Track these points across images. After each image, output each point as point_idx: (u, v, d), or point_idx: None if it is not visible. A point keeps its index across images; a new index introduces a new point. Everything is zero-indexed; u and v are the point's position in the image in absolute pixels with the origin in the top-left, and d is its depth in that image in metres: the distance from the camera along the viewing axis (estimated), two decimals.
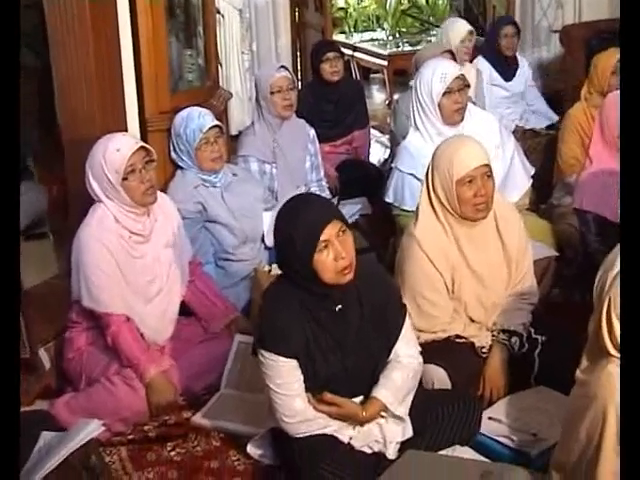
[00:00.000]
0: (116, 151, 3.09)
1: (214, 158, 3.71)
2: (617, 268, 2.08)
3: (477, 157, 2.96)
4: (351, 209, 4.56)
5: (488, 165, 2.98)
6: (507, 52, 5.63)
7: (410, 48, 8.03)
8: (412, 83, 5.73)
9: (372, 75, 9.15)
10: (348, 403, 2.58)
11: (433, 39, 7.46)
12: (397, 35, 8.83)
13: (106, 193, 3.14)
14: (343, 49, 6.18)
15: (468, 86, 3.83)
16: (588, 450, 2.18)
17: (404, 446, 2.65)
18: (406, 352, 2.67)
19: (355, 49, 8.52)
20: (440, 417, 2.71)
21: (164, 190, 3.61)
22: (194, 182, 3.73)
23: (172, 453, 2.97)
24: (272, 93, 4.23)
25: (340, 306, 2.54)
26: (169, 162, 3.82)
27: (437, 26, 8.53)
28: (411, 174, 3.78)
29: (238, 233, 3.77)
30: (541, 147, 5.09)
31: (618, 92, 3.85)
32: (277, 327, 2.50)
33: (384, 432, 2.62)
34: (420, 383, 2.77)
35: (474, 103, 4.37)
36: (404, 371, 2.64)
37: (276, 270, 3.48)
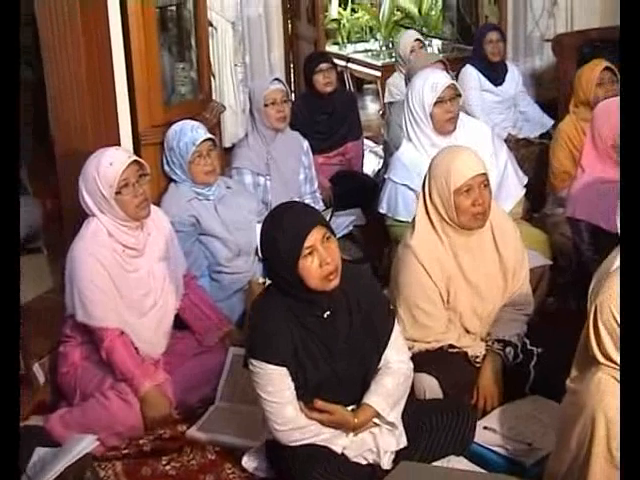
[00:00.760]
0: (109, 165, 3.09)
1: (207, 171, 3.71)
2: (607, 276, 2.09)
3: (474, 166, 2.98)
4: (345, 220, 4.56)
5: (485, 174, 3.00)
6: (493, 58, 5.66)
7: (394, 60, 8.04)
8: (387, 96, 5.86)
9: (366, 86, 9.17)
10: (340, 410, 2.58)
11: (429, 49, 7.49)
12: (390, 46, 8.82)
13: (99, 207, 3.14)
14: (336, 60, 6.21)
15: (459, 95, 3.84)
16: (578, 458, 2.18)
17: (398, 456, 2.65)
18: (396, 358, 2.67)
19: (348, 60, 8.53)
20: (434, 427, 2.71)
21: (157, 203, 3.61)
22: (187, 195, 3.73)
23: (167, 467, 2.96)
24: (266, 105, 4.24)
25: (328, 312, 2.55)
26: (162, 175, 3.82)
27: (430, 37, 8.55)
28: (405, 185, 3.79)
29: (232, 246, 3.77)
30: (534, 156, 5.10)
31: (608, 101, 3.88)
32: (265, 335, 2.51)
33: (378, 442, 2.62)
34: (413, 392, 2.77)
35: (467, 113, 4.38)
36: (395, 377, 2.64)
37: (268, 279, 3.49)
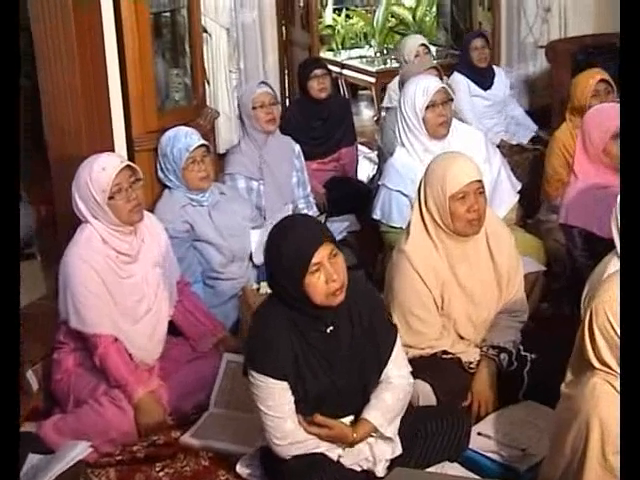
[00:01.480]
0: (102, 170, 3.09)
1: (201, 177, 3.71)
2: (602, 281, 2.09)
3: (470, 173, 2.98)
4: (339, 226, 4.56)
5: (481, 181, 3.00)
6: (480, 64, 5.70)
7: (397, 65, 8.04)
8: (386, 101, 5.86)
9: (360, 92, 9.18)
10: (339, 425, 2.57)
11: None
12: (385, 52, 8.84)
13: (93, 213, 3.14)
14: (331, 66, 6.22)
15: (451, 99, 3.85)
16: (573, 464, 2.18)
17: (393, 462, 2.64)
18: (397, 373, 2.66)
19: (343, 66, 8.54)
20: (429, 433, 2.71)
21: (152, 210, 3.61)
22: (182, 201, 3.73)
23: (161, 474, 2.95)
24: (254, 108, 4.25)
25: (331, 327, 2.54)
26: (156, 182, 3.82)
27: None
28: (398, 191, 3.79)
29: (226, 252, 3.77)
30: (528, 162, 5.12)
31: (598, 107, 3.90)
32: (266, 348, 2.48)
33: (373, 451, 2.61)
34: None
35: (460, 119, 4.39)
36: (395, 392, 2.63)
37: (264, 288, 3.48)
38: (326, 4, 9.88)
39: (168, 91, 4.22)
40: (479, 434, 2.86)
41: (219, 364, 3.31)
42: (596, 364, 2.13)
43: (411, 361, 2.83)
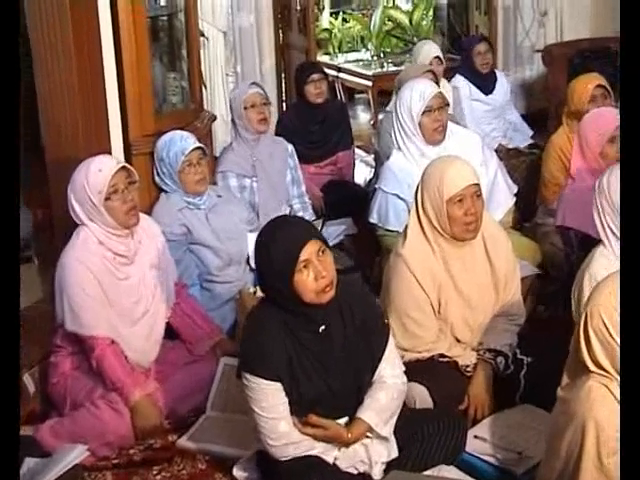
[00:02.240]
0: (98, 172, 3.10)
1: (197, 180, 3.71)
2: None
3: (467, 176, 2.98)
4: (336, 229, 4.57)
5: (478, 184, 3.01)
6: (483, 69, 5.70)
7: (394, 68, 8.04)
8: (391, 104, 5.85)
9: (357, 95, 9.19)
10: (333, 425, 2.57)
11: None
12: (381, 55, 8.85)
13: (89, 215, 3.14)
14: (328, 70, 6.22)
15: (448, 104, 3.85)
16: (569, 466, 2.19)
17: (390, 466, 2.64)
18: (390, 372, 2.66)
19: (340, 70, 8.55)
20: (425, 436, 2.71)
21: (149, 213, 3.61)
22: (178, 205, 3.73)
23: (158, 477, 2.95)
24: (246, 109, 4.27)
25: (324, 327, 2.54)
26: (153, 185, 3.82)
27: None
28: (395, 194, 3.80)
29: (223, 255, 3.77)
30: (525, 165, 5.13)
31: (594, 111, 3.92)
32: (259, 350, 2.49)
33: (369, 453, 2.61)
34: (404, 402, 2.77)
35: (457, 123, 4.39)
36: (389, 391, 2.63)
37: (261, 292, 3.48)
38: (323, 8, 9.89)
39: (165, 94, 4.22)
40: (476, 437, 2.86)
41: (216, 367, 3.30)
42: (591, 367, 2.13)
43: (408, 364, 2.83)
